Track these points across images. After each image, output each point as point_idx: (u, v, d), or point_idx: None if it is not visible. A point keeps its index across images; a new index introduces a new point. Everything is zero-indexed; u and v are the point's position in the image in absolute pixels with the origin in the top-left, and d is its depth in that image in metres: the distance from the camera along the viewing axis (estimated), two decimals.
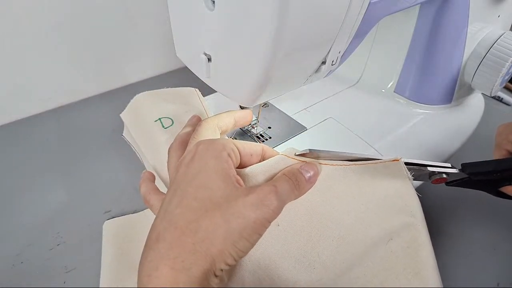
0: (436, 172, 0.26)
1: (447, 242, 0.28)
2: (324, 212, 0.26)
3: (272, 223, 0.22)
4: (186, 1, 0.27)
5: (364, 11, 0.26)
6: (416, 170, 0.26)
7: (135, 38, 0.57)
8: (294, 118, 0.40)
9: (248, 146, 0.26)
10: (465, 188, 0.29)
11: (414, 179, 0.26)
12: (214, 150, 0.23)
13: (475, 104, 0.48)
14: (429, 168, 0.26)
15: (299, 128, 0.39)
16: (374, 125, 0.41)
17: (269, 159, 0.27)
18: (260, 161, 0.27)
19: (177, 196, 0.22)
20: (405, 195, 0.26)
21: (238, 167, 0.26)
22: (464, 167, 0.27)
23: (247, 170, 0.26)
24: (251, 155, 0.26)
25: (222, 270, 0.21)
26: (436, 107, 0.44)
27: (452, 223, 0.39)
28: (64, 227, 0.37)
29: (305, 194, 0.26)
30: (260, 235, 0.22)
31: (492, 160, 0.28)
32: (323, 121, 0.41)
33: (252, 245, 0.21)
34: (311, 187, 0.26)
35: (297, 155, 0.26)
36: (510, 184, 0.27)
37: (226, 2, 0.23)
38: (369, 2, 0.26)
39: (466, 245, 0.37)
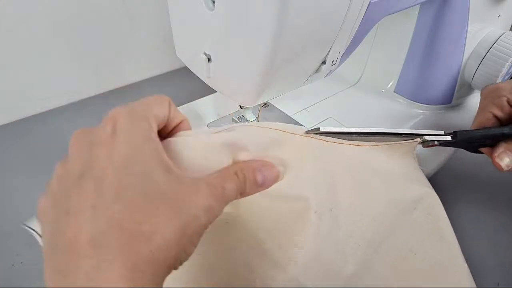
0: (430, 140, 0.29)
1: None
2: (360, 191, 0.26)
3: (315, 212, 0.22)
4: (186, 1, 0.27)
5: (364, 11, 0.26)
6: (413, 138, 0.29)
7: (135, 38, 0.57)
8: (294, 118, 0.40)
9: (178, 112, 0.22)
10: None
11: None
12: (139, 125, 0.19)
13: (475, 104, 0.47)
14: (426, 137, 0.29)
15: None
16: (374, 125, 0.41)
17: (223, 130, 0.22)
18: None
19: (108, 187, 0.17)
20: (417, 169, 0.29)
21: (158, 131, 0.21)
22: (456, 134, 0.30)
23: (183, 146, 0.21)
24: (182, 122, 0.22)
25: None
26: (436, 107, 0.44)
27: (451, 224, 0.39)
28: None
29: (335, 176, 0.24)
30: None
31: (481, 128, 0.32)
32: (323, 121, 0.41)
33: (195, 247, 0.19)
34: (259, 191, 0.22)
35: (307, 132, 0.24)
36: (490, 146, 0.31)
37: (226, 2, 0.23)
38: (369, 2, 0.26)
39: (465, 245, 0.37)
